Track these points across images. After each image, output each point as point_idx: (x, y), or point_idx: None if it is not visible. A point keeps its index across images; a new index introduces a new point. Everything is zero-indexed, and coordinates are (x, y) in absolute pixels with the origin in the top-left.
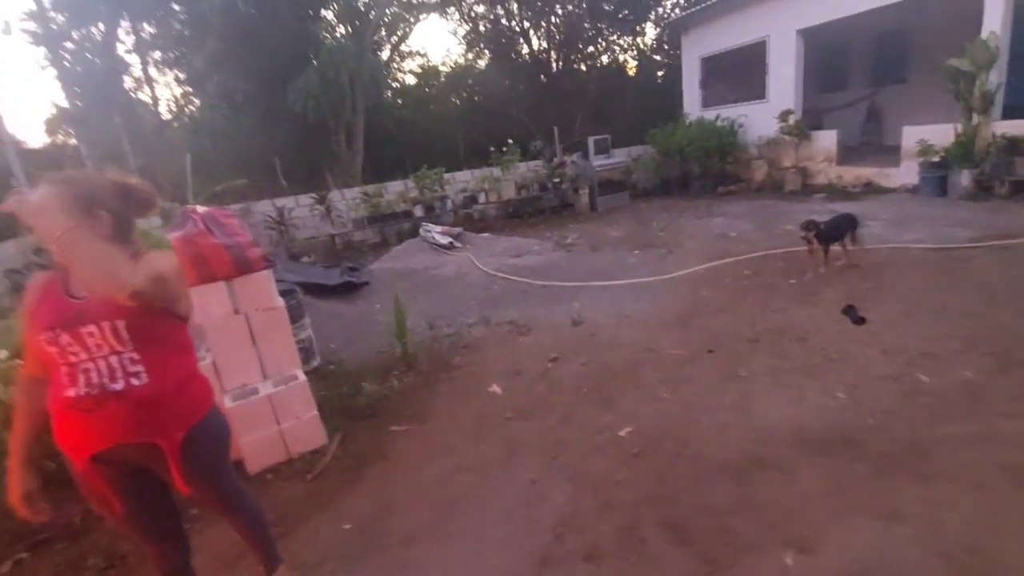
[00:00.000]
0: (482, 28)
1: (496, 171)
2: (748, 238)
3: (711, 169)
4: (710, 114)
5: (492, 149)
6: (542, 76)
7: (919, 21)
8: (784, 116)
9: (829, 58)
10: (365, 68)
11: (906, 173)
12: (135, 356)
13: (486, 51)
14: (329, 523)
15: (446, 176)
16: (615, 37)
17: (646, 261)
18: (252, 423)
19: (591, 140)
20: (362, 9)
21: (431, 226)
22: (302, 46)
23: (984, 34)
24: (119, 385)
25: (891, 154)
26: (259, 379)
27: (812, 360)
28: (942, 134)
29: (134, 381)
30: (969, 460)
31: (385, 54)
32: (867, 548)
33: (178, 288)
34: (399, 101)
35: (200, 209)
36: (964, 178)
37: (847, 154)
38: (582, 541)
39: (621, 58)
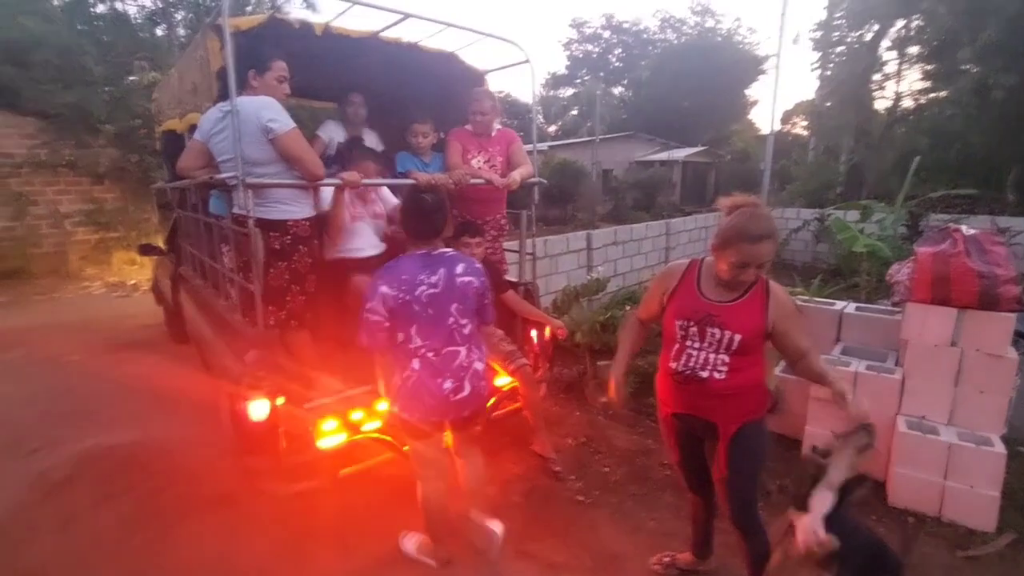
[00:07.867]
0: None
1: None
2: None
3: None
4: None
5: None
6: None
7: None
8: None
9: None
10: None
11: None
12: (726, 359)
13: None
14: None
15: None
16: None
17: None
18: (916, 458)
19: None
20: None
21: None
22: None
23: None
24: (704, 374)
25: None
26: (943, 420)
27: None
28: None
29: (716, 375)
30: None
31: None
32: None
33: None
34: None
35: (967, 230)
36: None
37: None
38: None
39: None
